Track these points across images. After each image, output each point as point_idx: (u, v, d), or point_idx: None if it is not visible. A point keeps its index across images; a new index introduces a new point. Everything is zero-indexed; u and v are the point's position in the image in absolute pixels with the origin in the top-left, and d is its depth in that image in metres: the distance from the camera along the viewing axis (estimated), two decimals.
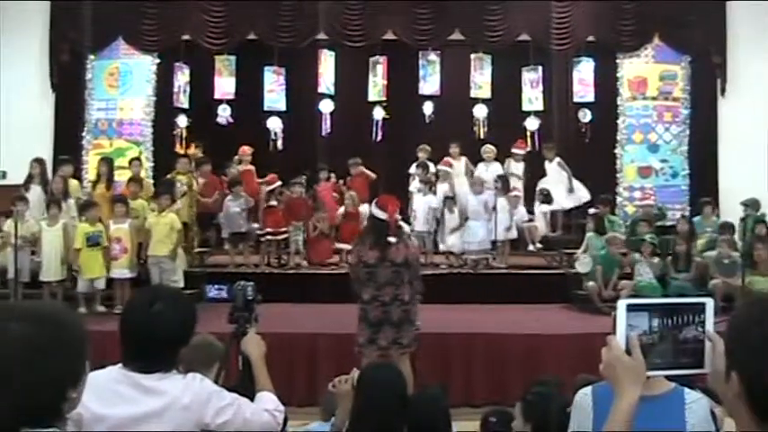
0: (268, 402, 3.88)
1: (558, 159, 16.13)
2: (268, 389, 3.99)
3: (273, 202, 15.38)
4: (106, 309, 12.62)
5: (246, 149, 16.52)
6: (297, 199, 15.17)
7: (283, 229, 15.10)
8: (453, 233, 15.10)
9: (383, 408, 4.47)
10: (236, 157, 16.38)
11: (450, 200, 15.35)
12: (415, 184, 15.83)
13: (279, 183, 15.67)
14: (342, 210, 15.60)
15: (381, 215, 8.72)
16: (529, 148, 16.82)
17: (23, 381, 2.12)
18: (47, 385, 2.15)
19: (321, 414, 6.65)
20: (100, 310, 12.63)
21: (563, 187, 15.96)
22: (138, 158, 15.99)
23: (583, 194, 16.05)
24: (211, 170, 15.78)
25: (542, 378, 6.34)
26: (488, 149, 16.23)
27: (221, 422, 3.56)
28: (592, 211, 15.03)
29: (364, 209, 14.08)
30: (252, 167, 16.39)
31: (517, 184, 15.71)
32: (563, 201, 15.97)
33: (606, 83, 17.71)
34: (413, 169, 16.15)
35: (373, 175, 16.18)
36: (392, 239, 8.60)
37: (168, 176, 14.75)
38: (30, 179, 14.27)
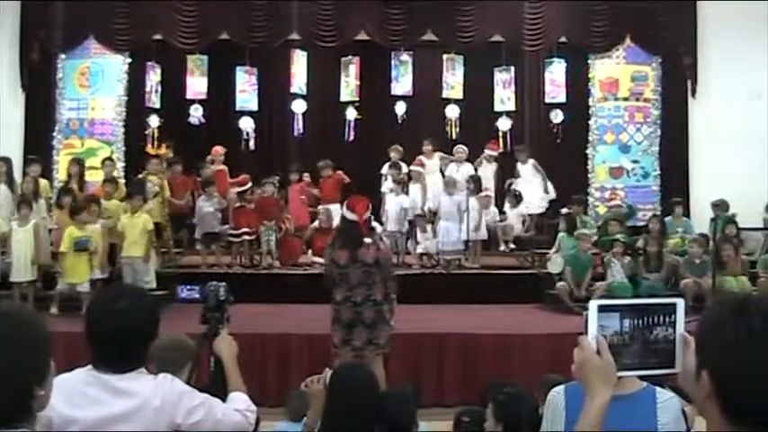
0: (239, 402, 3.86)
1: (532, 161, 16.17)
2: (240, 389, 3.97)
3: (243, 203, 15.33)
4: (60, 312, 12.43)
5: (219, 149, 16.47)
6: (268, 198, 15.14)
7: (254, 230, 15.05)
8: (426, 237, 15.09)
9: (355, 408, 4.47)
10: (209, 157, 16.33)
11: (421, 218, 15.39)
12: (387, 185, 15.81)
13: (250, 184, 15.65)
14: (315, 224, 15.58)
15: (351, 216, 8.74)
16: (501, 150, 16.85)
17: None
18: (11, 383, 2.15)
19: (287, 414, 6.65)
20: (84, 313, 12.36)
21: (536, 189, 16.00)
22: (110, 158, 15.86)
23: (552, 195, 16.15)
24: (183, 170, 15.74)
25: (501, 380, 6.38)
26: (460, 150, 16.24)
27: (192, 422, 3.53)
28: (564, 210, 15.08)
29: (335, 209, 14.11)
30: (224, 167, 16.34)
31: (489, 185, 15.74)
32: (537, 202, 16.00)
33: (578, 83, 17.78)
34: (385, 169, 16.15)
35: (347, 179, 16.10)
36: (367, 240, 8.61)
37: (139, 177, 14.67)
38: None
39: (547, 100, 17.84)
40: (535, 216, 16.13)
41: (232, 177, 16.21)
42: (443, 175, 15.70)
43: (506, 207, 15.91)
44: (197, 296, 4.52)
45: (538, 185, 16.03)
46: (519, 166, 16.29)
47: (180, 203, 15.21)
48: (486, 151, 16.41)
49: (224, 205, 15.18)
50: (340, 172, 16.12)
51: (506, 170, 16.54)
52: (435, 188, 15.51)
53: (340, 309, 8.69)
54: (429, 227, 15.16)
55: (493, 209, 15.57)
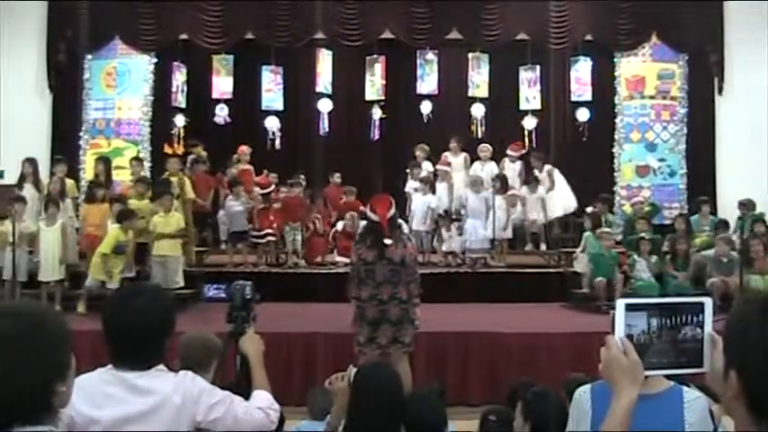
0: (262, 401, 3.86)
1: (548, 167, 15.97)
2: (264, 387, 3.97)
3: (267, 204, 15.36)
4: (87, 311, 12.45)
5: (245, 149, 16.52)
6: (294, 199, 15.16)
7: (278, 230, 15.08)
8: (451, 236, 15.04)
9: (379, 408, 4.46)
10: (235, 156, 16.39)
11: (444, 217, 15.35)
12: (410, 184, 15.79)
13: (273, 186, 15.67)
14: (340, 225, 15.61)
15: (373, 217, 8.76)
16: (525, 150, 16.76)
17: (7, 375, 2.13)
18: (32, 380, 2.17)
19: (310, 412, 6.64)
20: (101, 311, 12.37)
21: (554, 194, 15.83)
22: (138, 158, 15.94)
23: (571, 203, 15.98)
24: (207, 170, 15.80)
25: (525, 380, 6.36)
26: (484, 148, 16.21)
27: (212, 419, 3.54)
28: (589, 209, 15.01)
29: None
30: (250, 167, 16.42)
31: (514, 185, 15.65)
32: (554, 209, 15.84)
33: (603, 82, 17.73)
34: (411, 169, 16.14)
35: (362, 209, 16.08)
36: (388, 241, 8.61)
37: (163, 177, 14.69)
38: (22, 179, 14.23)
39: (572, 98, 17.82)
40: (555, 220, 15.99)
41: (257, 177, 16.26)
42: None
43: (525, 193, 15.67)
44: (223, 295, 4.54)
45: (556, 190, 15.79)
46: (536, 172, 16.06)
47: (203, 203, 15.26)
48: (509, 152, 16.33)
49: (252, 205, 15.19)
50: (359, 203, 16.05)
51: (531, 169, 16.40)
52: (461, 186, 15.47)
53: (365, 306, 8.67)
54: (454, 225, 15.12)
55: (519, 208, 15.50)
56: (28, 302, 2.46)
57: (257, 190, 15.86)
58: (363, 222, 14.04)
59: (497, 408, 6.02)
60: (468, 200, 14.84)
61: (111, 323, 3.54)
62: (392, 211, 8.90)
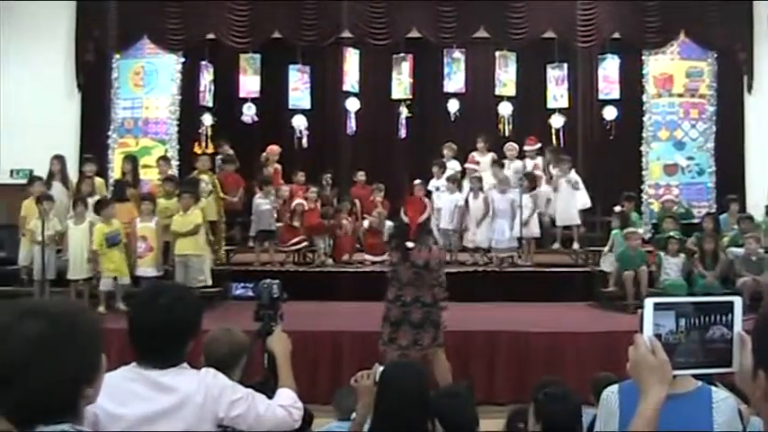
0: (285, 399, 3.86)
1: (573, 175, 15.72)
2: (290, 386, 3.98)
3: (296, 223, 15.37)
4: (128, 308, 12.51)
5: (274, 149, 16.58)
6: (318, 225, 15.25)
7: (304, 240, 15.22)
8: (479, 226, 14.97)
9: (405, 406, 4.46)
10: (264, 155, 16.42)
11: (477, 180, 15.29)
12: (434, 182, 15.75)
13: (302, 201, 15.62)
14: (366, 223, 15.67)
15: (404, 219, 8.91)
16: (539, 145, 16.64)
17: (37, 377, 2.14)
18: (61, 382, 2.17)
19: (336, 412, 6.63)
20: (121, 308, 12.17)
21: (570, 201, 15.66)
22: (165, 157, 16.04)
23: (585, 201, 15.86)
24: (236, 168, 15.86)
25: (549, 378, 6.31)
26: (511, 147, 16.19)
27: (234, 416, 3.55)
28: (617, 209, 14.91)
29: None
30: (279, 167, 16.46)
31: (540, 182, 15.58)
32: (572, 214, 15.69)
33: (631, 80, 17.64)
34: (434, 168, 16.13)
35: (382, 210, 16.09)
36: (410, 245, 8.68)
37: (192, 176, 14.74)
38: (51, 176, 14.34)
39: (600, 96, 17.75)
40: (573, 227, 15.78)
41: (284, 177, 16.31)
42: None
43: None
44: (250, 293, 4.54)
45: (573, 197, 15.59)
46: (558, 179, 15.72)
47: (233, 200, 15.30)
48: (525, 148, 16.29)
49: (278, 205, 15.20)
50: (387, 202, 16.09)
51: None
52: (488, 185, 15.41)
53: (390, 307, 8.78)
54: (483, 222, 15.04)
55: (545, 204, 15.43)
56: (63, 302, 2.46)
57: (284, 189, 15.88)
58: (389, 223, 14.19)
59: (525, 410, 5.99)
60: (494, 200, 14.80)
61: (136, 321, 3.56)
62: (425, 215, 9.04)
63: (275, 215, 15.13)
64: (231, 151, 16.36)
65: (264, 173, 15.91)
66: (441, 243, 14.61)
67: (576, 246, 15.44)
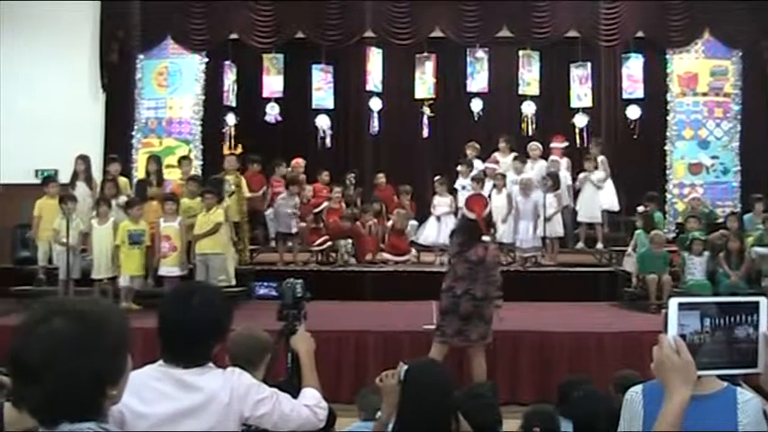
0: (309, 398, 3.88)
1: (602, 158, 15.86)
2: (314, 385, 3.99)
3: (320, 224, 15.51)
4: (139, 306, 12.56)
5: (300, 162, 16.60)
6: (343, 230, 15.30)
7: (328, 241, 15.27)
8: (503, 223, 14.93)
9: (429, 406, 4.45)
10: (289, 169, 16.41)
11: (500, 177, 15.27)
12: (460, 182, 15.75)
13: (325, 204, 15.67)
14: (389, 224, 15.69)
15: (470, 215, 9.00)
16: (567, 143, 16.63)
17: (63, 375, 2.15)
18: (85, 381, 2.18)
19: (360, 412, 6.63)
20: (132, 307, 12.39)
21: (608, 186, 15.71)
22: (187, 157, 16.08)
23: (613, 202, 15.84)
24: (260, 169, 15.92)
25: (576, 377, 6.30)
26: (534, 147, 16.12)
27: (259, 415, 3.58)
28: (641, 209, 14.84)
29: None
30: (303, 177, 16.43)
31: (565, 181, 15.52)
32: (609, 199, 15.71)
33: (655, 79, 17.58)
34: (461, 167, 16.13)
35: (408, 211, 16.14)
36: (486, 238, 8.88)
37: (217, 176, 14.77)
38: (75, 176, 14.43)
39: (624, 95, 17.69)
40: (605, 214, 15.83)
41: (309, 179, 16.33)
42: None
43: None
44: (274, 293, 4.55)
45: (596, 195, 15.60)
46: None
47: (257, 195, 15.41)
48: (554, 145, 16.25)
49: (299, 211, 15.19)
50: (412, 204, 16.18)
51: (577, 166, 16.22)
52: (510, 186, 15.34)
53: (442, 296, 8.95)
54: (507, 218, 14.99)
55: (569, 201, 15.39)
56: (92, 301, 2.46)
57: (308, 188, 15.90)
58: (413, 222, 14.21)
59: (540, 411, 5.97)
60: (517, 201, 14.76)
61: (166, 320, 3.57)
62: (487, 210, 9.16)
63: (298, 216, 15.13)
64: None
65: (288, 174, 15.91)
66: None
67: (599, 245, 15.40)
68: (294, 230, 15.07)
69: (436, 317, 9.09)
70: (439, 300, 9.12)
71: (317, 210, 15.68)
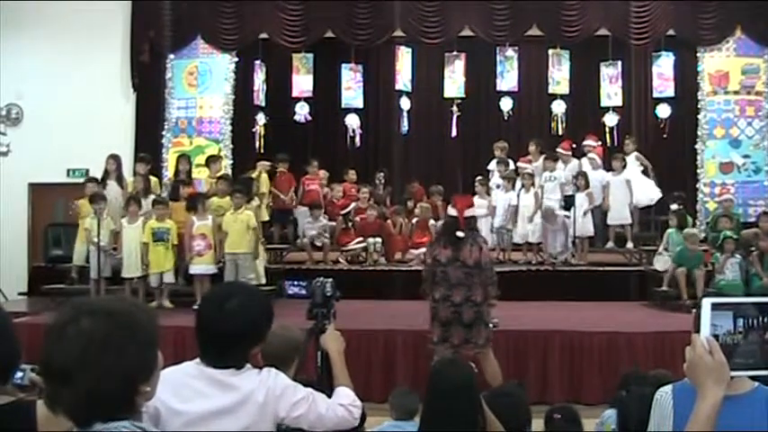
0: (344, 397, 3.87)
1: (636, 153, 15.83)
2: (346, 384, 3.99)
3: (347, 225, 15.59)
4: (173, 305, 12.74)
5: (321, 174, 16.62)
6: (372, 224, 15.42)
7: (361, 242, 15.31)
8: (531, 222, 14.90)
9: (454, 406, 4.44)
10: (315, 170, 16.45)
11: (528, 177, 15.22)
12: (494, 180, 15.75)
13: (353, 205, 15.72)
14: (414, 220, 15.73)
15: (452, 212, 8.84)
16: (599, 143, 16.56)
17: (95, 375, 2.16)
18: (117, 379, 2.19)
19: (393, 412, 6.63)
20: (166, 305, 12.70)
21: (644, 181, 15.67)
22: (215, 156, 16.10)
23: (654, 194, 15.77)
24: (288, 169, 15.99)
25: (634, 374, 6.26)
26: (565, 146, 16.03)
27: (295, 416, 3.59)
28: (674, 207, 14.73)
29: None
30: (327, 190, 16.49)
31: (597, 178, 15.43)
32: (639, 196, 15.63)
33: (686, 77, 17.47)
34: (492, 165, 16.11)
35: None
36: (460, 234, 8.64)
37: (248, 175, 14.82)
38: (106, 175, 14.51)
39: (654, 94, 17.60)
40: (636, 211, 15.77)
41: (337, 178, 16.36)
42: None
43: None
44: (303, 292, 4.55)
45: (626, 196, 15.52)
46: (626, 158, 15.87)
47: (285, 199, 15.52)
48: (588, 141, 16.17)
49: (327, 232, 15.21)
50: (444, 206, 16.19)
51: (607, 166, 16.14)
52: (539, 184, 15.28)
53: (438, 307, 8.71)
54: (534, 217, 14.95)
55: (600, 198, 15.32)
56: (120, 299, 2.47)
57: (337, 190, 15.94)
58: (439, 223, 14.19)
59: (562, 405, 5.97)
60: (545, 224, 14.75)
61: (204, 321, 3.58)
62: (472, 211, 8.93)
63: (326, 236, 15.15)
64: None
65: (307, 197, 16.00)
66: (494, 241, 14.66)
67: (629, 245, 15.32)
68: (325, 242, 15.13)
69: (434, 328, 8.79)
70: (432, 310, 8.80)
71: (344, 211, 15.70)
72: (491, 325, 8.79)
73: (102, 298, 2.34)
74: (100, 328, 2.21)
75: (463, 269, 8.60)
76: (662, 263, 13.47)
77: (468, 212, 8.84)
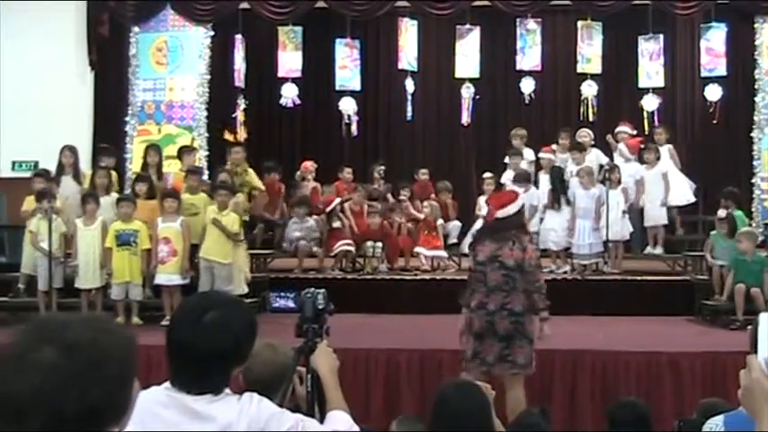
0: (340, 423, 3.85)
1: (669, 146, 15.78)
2: (341, 407, 3.96)
3: (337, 224, 15.49)
4: (143, 321, 12.66)
5: (309, 165, 16.70)
6: (375, 231, 15.37)
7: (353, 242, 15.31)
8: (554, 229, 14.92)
9: None
10: (299, 174, 16.50)
11: (555, 193, 15.16)
12: (507, 175, 15.69)
13: (338, 200, 15.68)
14: (422, 216, 15.76)
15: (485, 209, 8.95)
16: (635, 131, 16.51)
17: (53, 414, 2.14)
18: (82, 420, 2.17)
19: None
20: (135, 322, 12.55)
21: (678, 177, 15.63)
22: (188, 147, 16.09)
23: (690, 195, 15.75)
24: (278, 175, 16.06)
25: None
26: (584, 134, 15.99)
27: None
28: (721, 212, 14.53)
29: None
30: (317, 185, 16.48)
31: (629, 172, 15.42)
32: (675, 194, 15.59)
33: (741, 53, 17.45)
34: (508, 159, 16.06)
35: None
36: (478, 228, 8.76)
37: (226, 168, 14.77)
38: (60, 170, 14.27)
39: (703, 73, 17.55)
40: (675, 210, 15.75)
41: (330, 176, 16.38)
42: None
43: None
44: (292, 305, 4.56)
45: (679, 173, 15.57)
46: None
47: (272, 218, 15.69)
48: (622, 128, 16.15)
49: (316, 233, 15.25)
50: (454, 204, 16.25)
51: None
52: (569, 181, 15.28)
53: (473, 316, 8.68)
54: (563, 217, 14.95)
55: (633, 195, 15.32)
56: (90, 322, 2.41)
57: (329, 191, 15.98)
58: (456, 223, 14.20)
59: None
60: (576, 196, 14.69)
61: (174, 340, 3.52)
62: (509, 209, 8.88)
63: (317, 239, 15.20)
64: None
65: (295, 194, 15.99)
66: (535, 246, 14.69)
67: (658, 250, 15.25)
68: (313, 250, 15.18)
69: (465, 342, 8.78)
70: (467, 320, 8.79)
71: (328, 209, 15.64)
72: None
73: (70, 319, 2.29)
74: (64, 359, 2.18)
75: (502, 270, 8.58)
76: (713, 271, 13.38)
77: (500, 213, 8.86)
